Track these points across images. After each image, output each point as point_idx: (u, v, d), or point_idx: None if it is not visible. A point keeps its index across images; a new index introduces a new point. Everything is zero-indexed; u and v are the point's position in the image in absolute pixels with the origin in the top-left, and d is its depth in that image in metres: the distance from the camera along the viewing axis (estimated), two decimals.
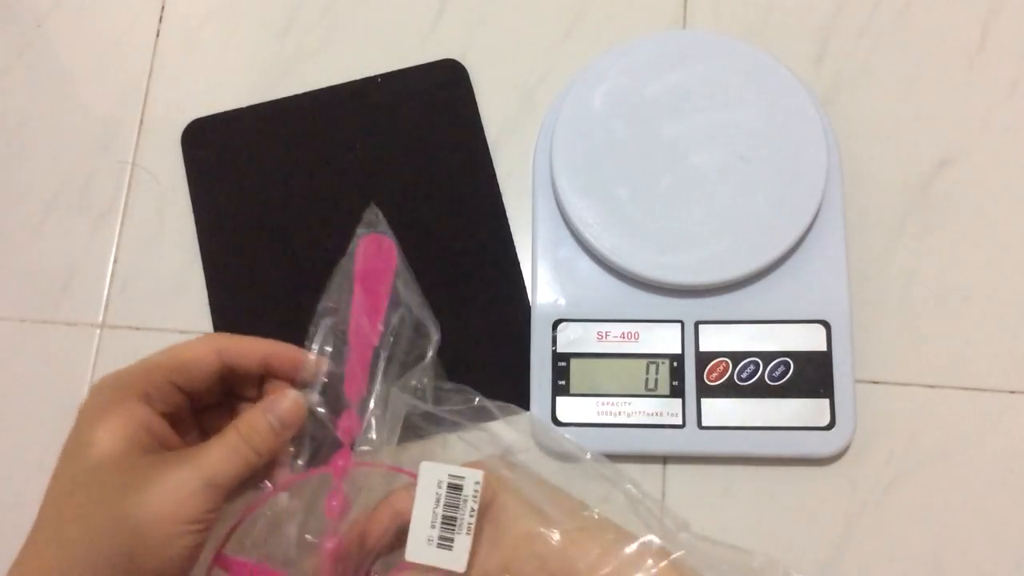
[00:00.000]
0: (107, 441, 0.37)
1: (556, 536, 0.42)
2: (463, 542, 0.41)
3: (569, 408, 0.50)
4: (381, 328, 0.46)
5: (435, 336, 0.47)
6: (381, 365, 0.45)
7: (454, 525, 0.41)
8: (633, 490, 0.46)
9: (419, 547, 0.41)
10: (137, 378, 0.40)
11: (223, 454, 0.39)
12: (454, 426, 0.47)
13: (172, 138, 0.58)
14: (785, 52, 0.55)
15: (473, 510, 0.41)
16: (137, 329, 0.55)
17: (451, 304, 0.54)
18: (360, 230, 0.48)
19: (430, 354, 0.47)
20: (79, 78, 0.61)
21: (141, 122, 0.59)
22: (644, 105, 0.52)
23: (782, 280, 0.51)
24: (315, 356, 0.44)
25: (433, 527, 0.41)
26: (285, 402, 0.42)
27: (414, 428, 0.47)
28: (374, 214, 0.48)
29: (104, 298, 0.56)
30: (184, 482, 0.37)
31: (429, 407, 0.46)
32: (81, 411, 0.39)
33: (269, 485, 0.43)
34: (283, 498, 0.43)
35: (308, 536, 0.43)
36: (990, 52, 0.56)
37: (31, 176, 0.59)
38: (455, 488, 0.42)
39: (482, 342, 0.53)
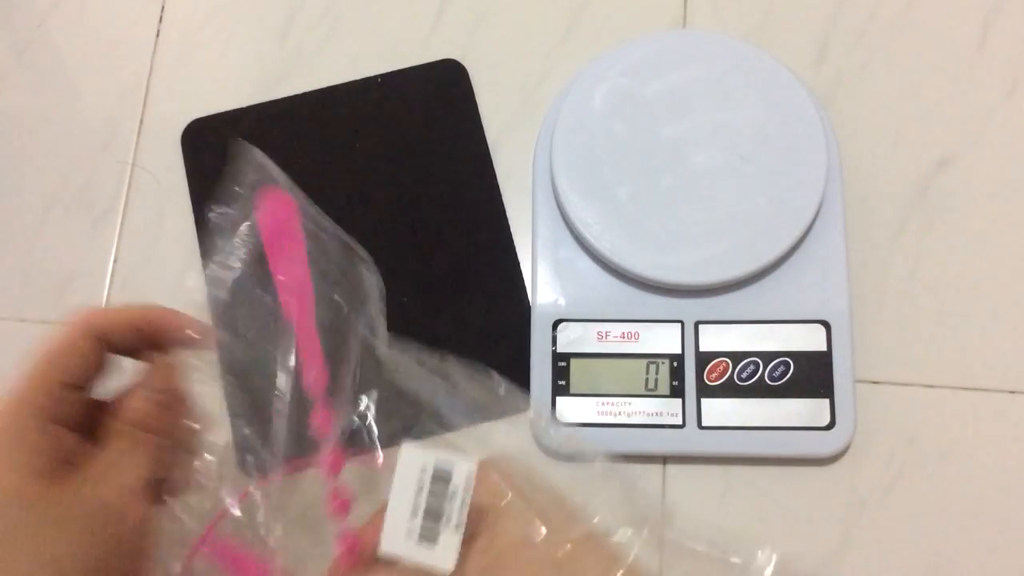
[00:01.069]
0: (12, 480, 0.35)
1: (555, 547, 0.38)
2: (451, 539, 0.37)
3: (569, 408, 0.50)
4: (313, 297, 0.42)
5: (373, 276, 0.43)
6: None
7: (439, 518, 0.37)
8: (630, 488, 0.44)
9: (397, 539, 0.37)
10: (28, 394, 0.37)
11: (125, 453, 0.37)
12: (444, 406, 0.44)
13: (172, 138, 0.58)
14: (785, 52, 0.55)
15: (464, 502, 0.37)
16: None
17: (451, 304, 0.54)
18: (240, 189, 0.42)
19: (376, 292, 0.42)
20: (79, 78, 0.61)
21: (141, 122, 0.59)
22: (644, 105, 0.52)
23: (782, 280, 0.51)
24: (191, 315, 0.41)
25: (415, 517, 0.37)
26: (157, 371, 0.39)
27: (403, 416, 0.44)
28: (244, 149, 0.42)
29: (104, 298, 0.56)
30: (105, 503, 0.36)
31: (384, 348, 0.42)
32: None
33: (249, 489, 0.41)
34: (256, 495, 0.41)
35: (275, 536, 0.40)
36: (990, 52, 0.56)
37: (31, 176, 0.59)
38: (441, 478, 0.37)
39: (482, 342, 0.53)
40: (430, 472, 0.37)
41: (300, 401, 0.42)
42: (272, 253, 0.43)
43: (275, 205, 0.43)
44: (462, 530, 0.37)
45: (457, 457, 0.37)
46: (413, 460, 0.37)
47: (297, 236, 0.43)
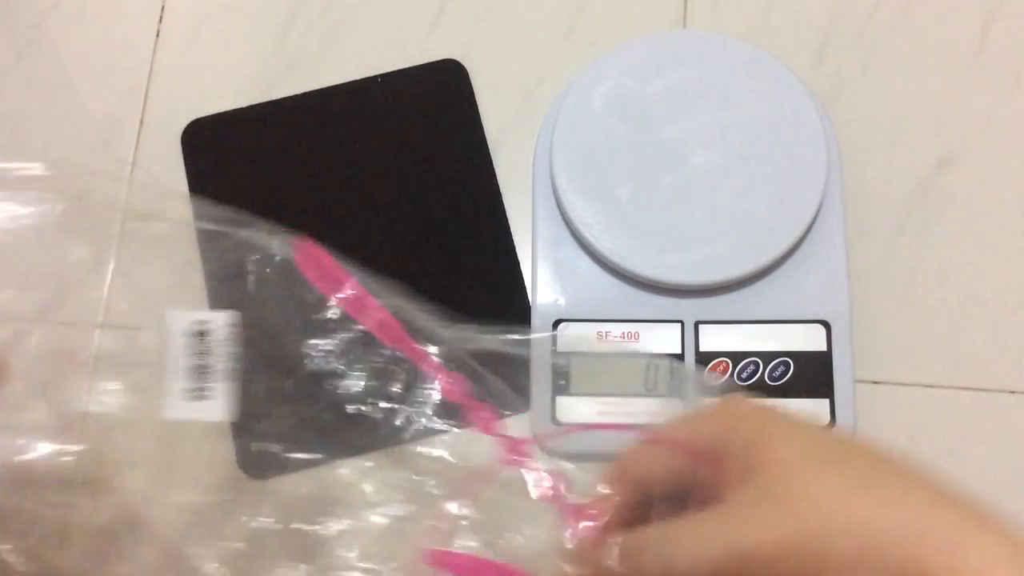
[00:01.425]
0: None
1: (889, 508, 0.29)
2: (225, 389, 0.38)
3: (569, 408, 0.50)
4: (381, 304, 0.43)
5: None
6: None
7: (206, 372, 0.38)
8: None
9: (175, 404, 0.39)
10: None
11: None
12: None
13: (172, 138, 0.58)
14: (785, 52, 0.55)
15: (232, 354, 0.39)
16: (137, 329, 0.55)
17: (451, 304, 0.54)
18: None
19: None
20: (79, 78, 0.61)
21: (141, 122, 0.59)
22: (644, 105, 0.52)
23: (782, 280, 0.51)
24: None
25: (184, 379, 0.38)
26: None
27: None
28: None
29: (104, 298, 0.56)
30: None
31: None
32: None
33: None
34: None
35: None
36: (990, 52, 0.56)
37: None
38: (201, 334, 0.39)
39: None
40: (189, 332, 0.39)
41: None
42: (336, 297, 0.43)
43: (309, 253, 0.44)
44: (232, 378, 0.38)
45: (214, 313, 0.39)
46: (175, 326, 0.39)
47: (337, 268, 0.43)
